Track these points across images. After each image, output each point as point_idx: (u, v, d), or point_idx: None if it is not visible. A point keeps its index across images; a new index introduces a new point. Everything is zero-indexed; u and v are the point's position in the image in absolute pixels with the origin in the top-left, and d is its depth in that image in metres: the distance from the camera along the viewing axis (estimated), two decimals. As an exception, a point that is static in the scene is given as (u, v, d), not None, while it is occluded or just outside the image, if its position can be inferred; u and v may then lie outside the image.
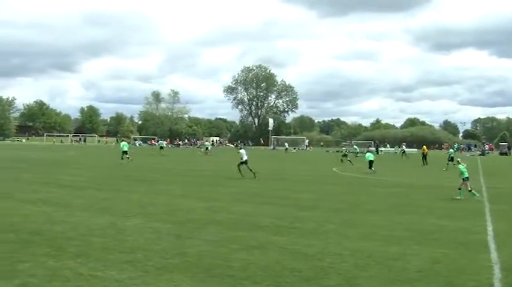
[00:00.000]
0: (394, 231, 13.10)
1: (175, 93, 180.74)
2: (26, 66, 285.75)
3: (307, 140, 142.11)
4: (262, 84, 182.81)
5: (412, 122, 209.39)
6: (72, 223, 12.99)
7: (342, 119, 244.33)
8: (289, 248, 10.58)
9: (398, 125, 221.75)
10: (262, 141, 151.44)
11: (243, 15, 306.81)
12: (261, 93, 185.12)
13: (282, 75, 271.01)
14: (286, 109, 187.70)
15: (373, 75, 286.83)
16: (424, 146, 56.61)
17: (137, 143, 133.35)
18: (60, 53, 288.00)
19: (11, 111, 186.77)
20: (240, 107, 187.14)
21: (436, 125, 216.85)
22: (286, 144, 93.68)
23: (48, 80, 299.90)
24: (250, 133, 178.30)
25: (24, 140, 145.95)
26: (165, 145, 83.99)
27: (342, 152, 57.13)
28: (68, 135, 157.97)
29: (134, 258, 9.38)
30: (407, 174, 37.65)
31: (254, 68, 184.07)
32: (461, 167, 20.92)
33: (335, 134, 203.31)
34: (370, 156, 38.06)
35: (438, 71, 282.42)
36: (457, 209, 17.78)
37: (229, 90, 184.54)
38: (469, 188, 20.56)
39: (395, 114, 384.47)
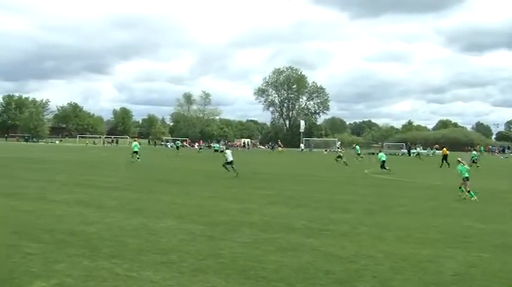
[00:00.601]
0: (428, 233, 12.99)
1: (206, 95, 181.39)
2: (59, 69, 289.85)
3: (339, 142, 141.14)
4: (294, 86, 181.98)
5: (444, 124, 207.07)
6: (106, 224, 13.12)
7: (373, 120, 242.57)
8: (323, 250, 10.54)
9: (430, 126, 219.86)
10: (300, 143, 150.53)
11: (274, 17, 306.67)
12: (292, 95, 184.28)
13: (313, 77, 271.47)
14: (317, 111, 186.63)
15: (404, 76, 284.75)
16: (445, 148, 56.13)
17: (169, 144, 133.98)
18: (93, 55, 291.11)
19: (45, 113, 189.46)
20: (271, 108, 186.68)
21: (469, 127, 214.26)
22: (302, 145, 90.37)
23: (81, 83, 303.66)
24: (281, 135, 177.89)
25: (57, 142, 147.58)
26: (180, 145, 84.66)
27: (337, 153, 57.77)
28: (100, 137, 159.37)
29: (168, 259, 9.42)
30: (437, 176, 37.21)
31: (285, 69, 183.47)
32: (460, 167, 21.22)
33: (366, 135, 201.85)
34: (382, 156, 39.75)
35: (470, 72, 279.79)
36: (492, 212, 17.60)
37: (260, 92, 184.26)
38: (468, 189, 20.96)
39: (427, 116, 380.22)
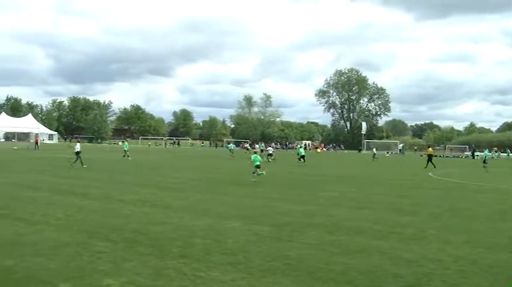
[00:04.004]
0: (498, 238, 12.64)
1: (267, 97, 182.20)
2: (123, 72, 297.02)
3: (402, 144, 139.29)
4: (354, 88, 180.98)
5: (508, 126, 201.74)
6: (172, 224, 13.26)
7: (435, 122, 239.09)
8: (390, 253, 10.41)
9: (494, 128, 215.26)
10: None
11: (338, 19, 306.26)
12: (353, 97, 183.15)
13: (377, 79, 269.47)
14: (378, 112, 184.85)
15: (469, 77, 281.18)
16: (430, 148, 55.65)
17: (230, 146, 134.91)
18: (158, 58, 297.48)
19: (108, 115, 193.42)
20: (331, 110, 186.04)
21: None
22: (374, 150, 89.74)
23: (144, 85, 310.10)
24: (342, 137, 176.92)
25: (120, 143, 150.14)
26: (233, 147, 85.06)
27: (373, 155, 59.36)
28: (162, 139, 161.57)
29: (236, 260, 9.45)
30: (503, 179, 36.36)
31: (346, 71, 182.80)
32: None
33: (427, 137, 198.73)
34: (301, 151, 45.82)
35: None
36: None
37: (321, 93, 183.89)
38: None
39: (490, 118, 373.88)
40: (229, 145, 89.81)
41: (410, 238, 12.36)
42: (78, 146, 38.00)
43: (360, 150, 73.04)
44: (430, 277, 8.72)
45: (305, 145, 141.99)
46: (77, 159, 36.56)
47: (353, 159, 79.02)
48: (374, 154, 76.72)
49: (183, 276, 8.31)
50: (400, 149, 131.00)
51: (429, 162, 50.40)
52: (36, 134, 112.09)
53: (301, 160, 51.57)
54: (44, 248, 9.98)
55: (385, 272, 8.90)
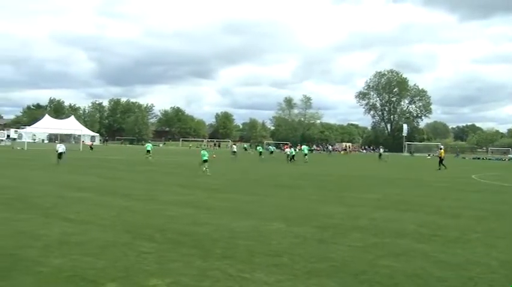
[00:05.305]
0: (546, 242, 12.46)
1: (307, 99, 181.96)
2: (165, 74, 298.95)
3: (443, 147, 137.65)
4: (395, 89, 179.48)
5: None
6: (216, 225, 13.31)
7: (478, 124, 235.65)
8: (434, 256, 10.28)
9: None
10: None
11: (379, 20, 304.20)
12: (394, 99, 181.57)
13: (419, 80, 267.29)
14: (419, 114, 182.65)
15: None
16: (442, 150, 55.04)
17: (270, 148, 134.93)
18: (199, 61, 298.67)
19: (149, 117, 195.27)
20: (372, 112, 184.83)
21: None
22: (381, 150, 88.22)
23: (184, 87, 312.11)
24: (382, 139, 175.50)
25: (161, 145, 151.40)
26: (274, 149, 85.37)
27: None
28: (202, 141, 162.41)
29: (280, 261, 9.44)
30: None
31: (386, 72, 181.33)
32: None
33: (470, 140, 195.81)
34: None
35: None
36: None
37: (361, 95, 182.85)
38: None
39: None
40: (269, 147, 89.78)
41: (454, 241, 12.21)
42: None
43: (380, 155, 72.91)
44: (476, 281, 8.59)
45: (346, 146, 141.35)
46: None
47: (391, 161, 78.33)
48: (380, 154, 76.54)
49: (228, 277, 8.34)
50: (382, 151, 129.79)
51: (441, 163, 50.59)
52: (92, 137, 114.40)
53: (292, 159, 56.09)
54: (90, 248, 10.11)
55: (431, 276, 8.80)
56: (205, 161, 33.77)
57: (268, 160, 63.57)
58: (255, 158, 67.55)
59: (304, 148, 70.23)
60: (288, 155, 57.94)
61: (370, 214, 16.50)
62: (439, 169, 48.83)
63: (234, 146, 79.44)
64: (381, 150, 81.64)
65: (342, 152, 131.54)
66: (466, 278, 8.79)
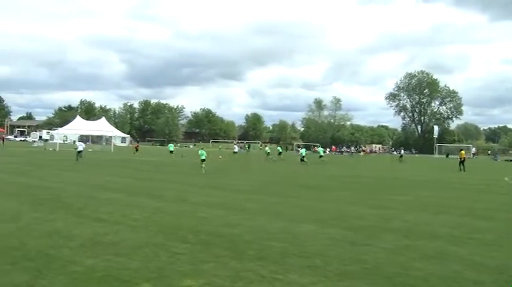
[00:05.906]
0: None
1: (337, 101, 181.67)
2: (195, 76, 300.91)
3: (474, 148, 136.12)
4: (425, 91, 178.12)
5: None
6: (248, 227, 13.32)
7: (509, 126, 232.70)
8: (469, 259, 10.16)
9: None
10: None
11: (410, 21, 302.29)
12: (424, 100, 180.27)
13: (450, 81, 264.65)
14: (449, 116, 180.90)
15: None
16: (462, 151, 55.00)
17: (300, 150, 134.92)
18: (229, 62, 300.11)
19: (179, 118, 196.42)
20: (402, 113, 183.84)
21: None
22: (402, 151, 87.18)
23: (214, 89, 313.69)
24: (412, 140, 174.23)
25: (191, 146, 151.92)
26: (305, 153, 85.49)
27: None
28: (232, 142, 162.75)
29: (313, 263, 9.41)
30: None
31: (416, 74, 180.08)
32: None
33: (502, 142, 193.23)
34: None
35: None
36: None
37: (392, 97, 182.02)
38: None
39: None
40: (301, 150, 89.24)
41: (489, 243, 12.04)
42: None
43: (401, 157, 72.20)
44: (513, 285, 8.48)
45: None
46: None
47: (423, 163, 77.64)
48: (401, 155, 76.41)
49: (261, 278, 8.33)
50: (473, 153, 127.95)
51: (461, 165, 50.70)
52: (137, 140, 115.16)
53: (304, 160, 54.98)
54: (123, 248, 10.18)
55: (466, 279, 8.69)
56: (203, 160, 37.34)
57: (278, 161, 63.82)
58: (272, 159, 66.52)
59: (320, 149, 70.27)
60: (303, 155, 57.35)
61: (401, 215, 16.37)
62: (460, 171, 48.92)
63: (235, 146, 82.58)
64: (402, 151, 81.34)
65: (362, 153, 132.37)
66: (503, 281, 8.68)
